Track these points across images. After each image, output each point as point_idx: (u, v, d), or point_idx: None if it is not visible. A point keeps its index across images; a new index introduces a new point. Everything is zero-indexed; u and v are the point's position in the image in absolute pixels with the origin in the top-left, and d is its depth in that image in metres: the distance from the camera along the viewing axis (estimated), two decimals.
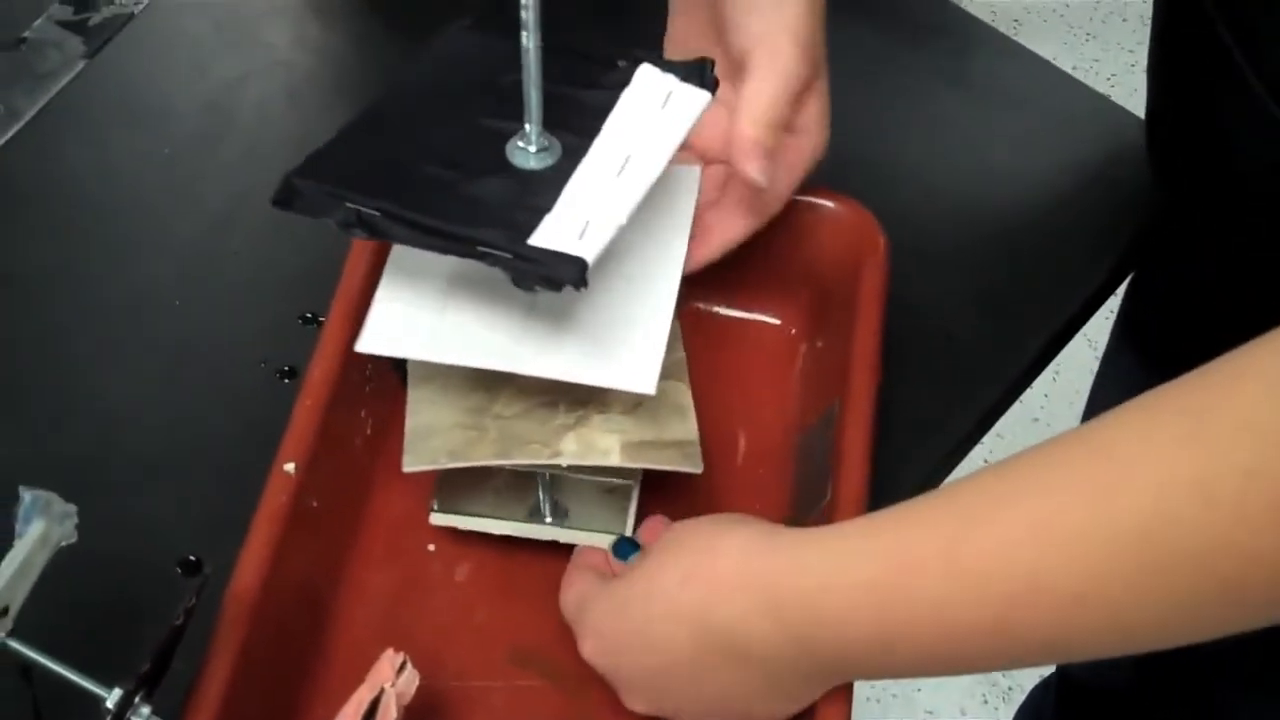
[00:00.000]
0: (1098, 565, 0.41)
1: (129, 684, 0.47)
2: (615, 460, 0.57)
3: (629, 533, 0.60)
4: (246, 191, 0.75)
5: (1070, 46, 2.11)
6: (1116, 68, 2.05)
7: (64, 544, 0.49)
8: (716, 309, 0.69)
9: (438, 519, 0.60)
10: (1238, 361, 0.41)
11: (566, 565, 0.59)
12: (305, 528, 0.57)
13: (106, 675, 0.48)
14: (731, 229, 0.62)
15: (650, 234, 0.58)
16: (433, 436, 0.57)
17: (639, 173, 0.52)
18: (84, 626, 0.56)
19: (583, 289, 0.49)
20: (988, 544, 0.43)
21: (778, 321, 0.69)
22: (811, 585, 0.47)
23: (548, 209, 0.50)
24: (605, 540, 0.60)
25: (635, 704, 0.54)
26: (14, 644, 0.48)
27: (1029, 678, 1.51)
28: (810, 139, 0.60)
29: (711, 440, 0.60)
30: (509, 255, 0.49)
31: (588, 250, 0.49)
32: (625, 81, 0.55)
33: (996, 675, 1.54)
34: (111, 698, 0.47)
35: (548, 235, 0.49)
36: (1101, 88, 0.81)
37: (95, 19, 0.82)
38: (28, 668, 0.48)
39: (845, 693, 0.51)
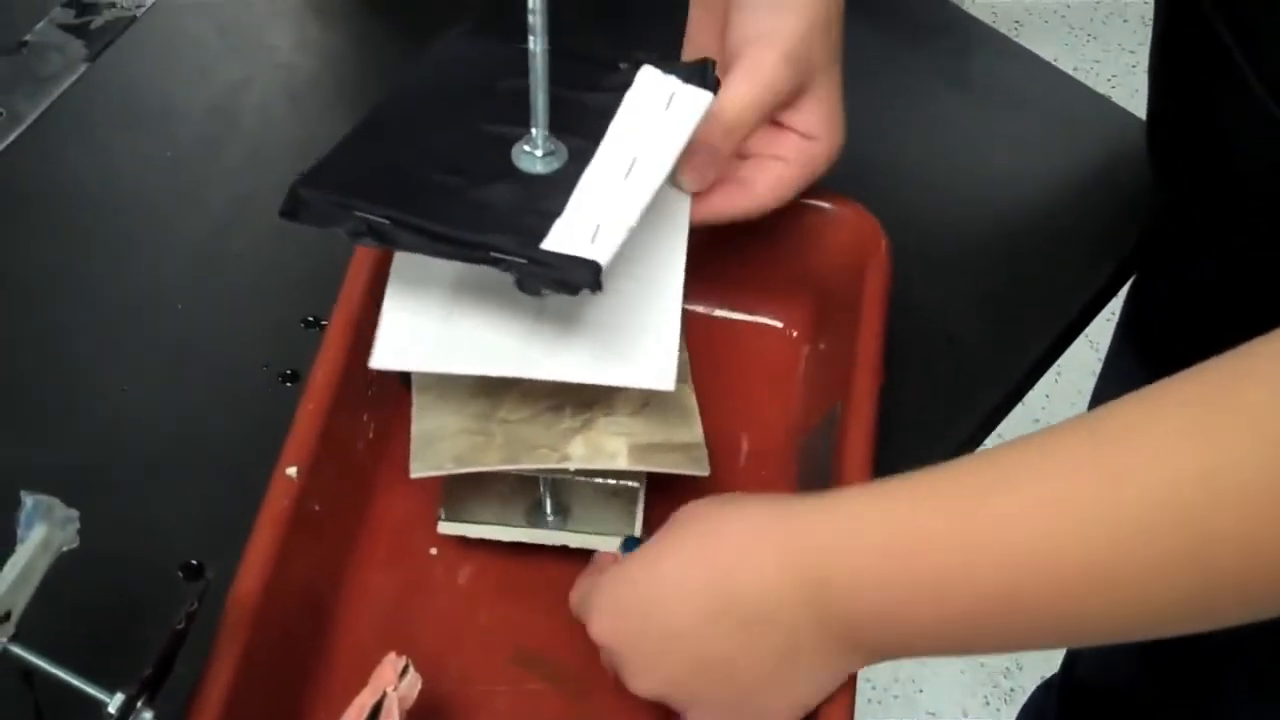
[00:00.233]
0: (1104, 548, 0.41)
1: (131, 688, 0.47)
2: (623, 463, 0.57)
3: (637, 535, 0.60)
4: (249, 194, 0.75)
5: (1071, 47, 2.11)
6: (1117, 69, 2.05)
7: (65, 549, 0.49)
8: (719, 312, 0.69)
9: (445, 528, 0.60)
10: (1241, 357, 0.41)
11: (570, 568, 0.59)
12: (307, 532, 0.57)
13: (108, 679, 0.48)
14: (718, 206, 0.62)
15: (651, 231, 0.58)
16: (439, 442, 0.57)
17: (646, 174, 0.52)
18: (85, 630, 0.56)
19: (597, 292, 0.49)
20: (1000, 516, 0.44)
21: (780, 324, 0.69)
22: (821, 545, 0.47)
23: (558, 213, 0.50)
24: (614, 543, 0.60)
25: (640, 685, 0.52)
26: (16, 649, 0.47)
27: (1031, 679, 1.51)
28: (819, 143, 0.60)
29: (714, 442, 0.60)
30: (523, 260, 0.49)
31: (601, 253, 0.49)
32: (627, 84, 0.55)
33: (998, 676, 1.54)
34: (114, 703, 0.47)
35: (560, 239, 0.49)
36: (1102, 89, 0.81)
37: (97, 22, 0.82)
38: (30, 672, 0.48)
39: (847, 692, 0.51)
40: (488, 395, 0.59)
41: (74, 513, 0.49)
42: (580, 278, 0.48)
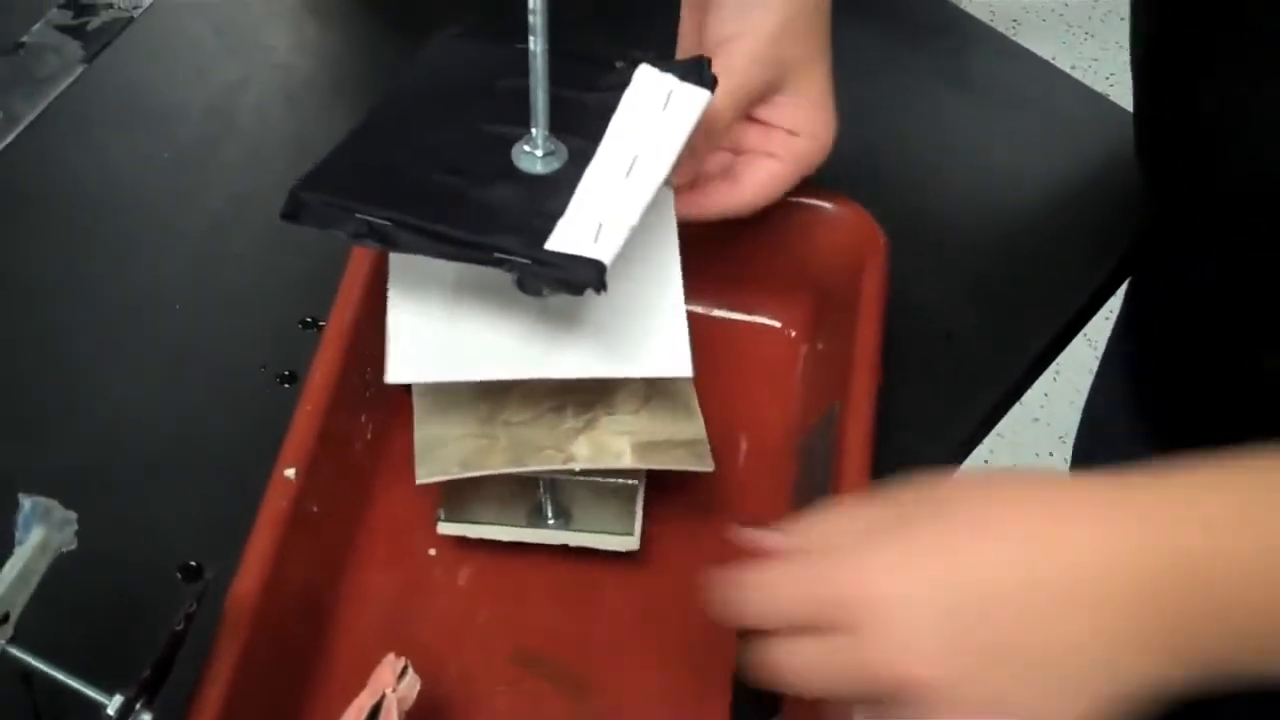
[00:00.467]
0: None
1: (130, 690, 0.47)
2: (628, 462, 0.57)
3: (636, 533, 0.60)
4: (247, 195, 0.75)
5: (1069, 45, 2.11)
6: (1115, 66, 2.05)
7: (64, 550, 0.49)
8: (717, 311, 0.69)
9: (445, 528, 0.60)
10: None
11: (569, 568, 0.59)
12: (306, 533, 0.57)
13: (107, 681, 0.48)
14: (707, 203, 0.62)
15: (642, 227, 0.58)
16: (443, 446, 0.57)
17: (646, 173, 0.52)
18: (84, 631, 0.56)
19: (602, 291, 0.49)
20: None
21: (778, 323, 0.69)
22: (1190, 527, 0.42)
23: (560, 213, 0.50)
24: (613, 542, 0.60)
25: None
26: (14, 651, 0.47)
27: None
28: (804, 140, 0.60)
29: (713, 442, 0.60)
30: (527, 261, 0.49)
31: (604, 252, 0.49)
32: (625, 83, 0.55)
33: None
34: (112, 704, 0.47)
35: (563, 239, 0.49)
36: (1100, 87, 0.81)
37: (94, 23, 0.82)
38: (28, 674, 0.48)
39: None
40: (490, 398, 0.59)
41: (72, 514, 0.49)
42: (585, 277, 0.49)
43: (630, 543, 0.60)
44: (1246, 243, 0.63)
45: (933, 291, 0.70)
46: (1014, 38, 0.83)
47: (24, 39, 0.81)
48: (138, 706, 0.47)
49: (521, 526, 0.60)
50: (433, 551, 0.62)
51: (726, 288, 0.68)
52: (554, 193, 0.51)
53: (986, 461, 1.70)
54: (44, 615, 0.48)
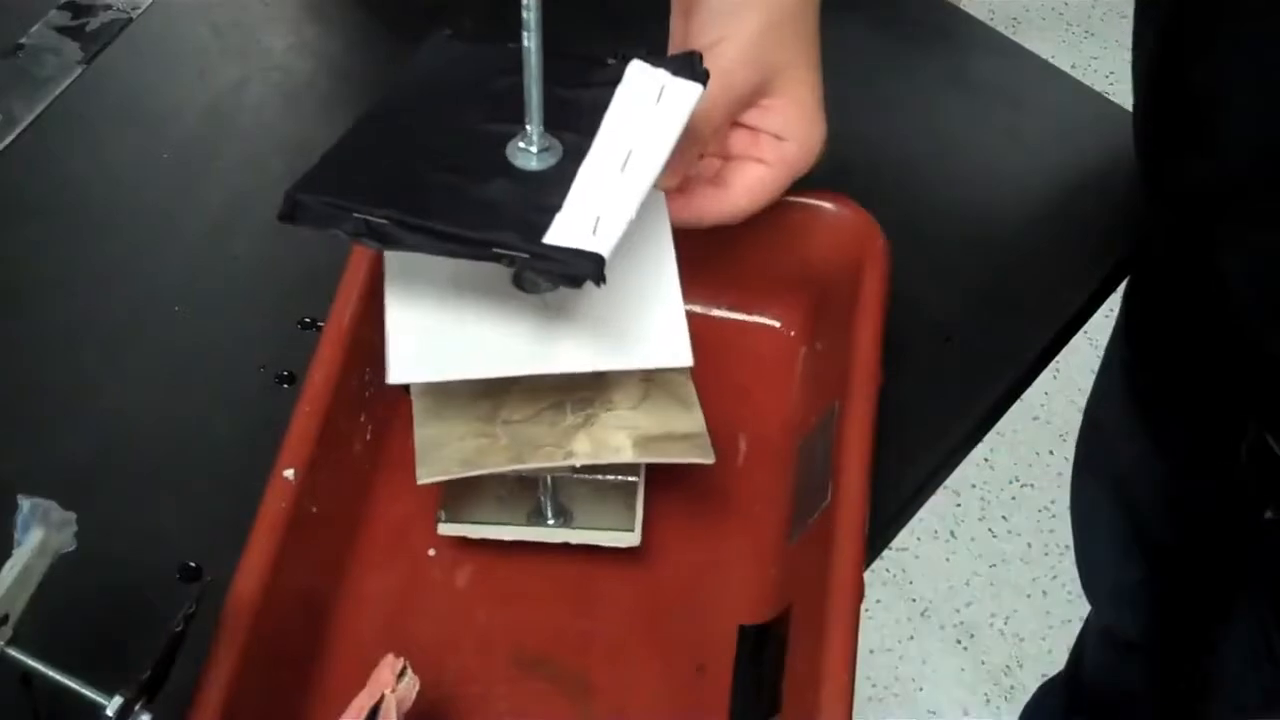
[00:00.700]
0: None
1: (129, 691, 0.47)
2: (629, 457, 0.57)
3: (637, 529, 0.60)
4: (246, 196, 0.75)
5: (1069, 44, 2.11)
6: (1115, 65, 2.05)
7: (63, 551, 0.49)
8: (716, 311, 0.69)
9: (445, 529, 0.60)
10: None
11: (570, 567, 0.59)
12: (305, 533, 0.57)
13: (106, 682, 0.48)
14: (697, 209, 0.62)
15: (637, 224, 0.58)
16: (444, 446, 0.57)
17: (642, 167, 0.53)
18: (83, 633, 0.56)
19: (601, 284, 0.49)
20: None
21: (778, 324, 0.69)
22: None
23: (558, 207, 0.51)
24: (614, 538, 0.60)
25: None
26: (13, 652, 0.47)
27: (1031, 676, 1.51)
28: (792, 143, 0.60)
29: (712, 441, 0.60)
30: (526, 255, 0.49)
31: (602, 245, 0.49)
32: (617, 79, 0.55)
33: (999, 674, 1.54)
34: (112, 705, 0.47)
35: (561, 233, 0.50)
36: (1100, 85, 0.81)
37: (93, 24, 0.82)
38: (27, 675, 0.48)
39: (846, 693, 0.51)
40: (489, 397, 0.59)
41: (71, 515, 0.49)
42: (583, 270, 0.49)
43: (631, 538, 0.60)
44: (1247, 228, 0.63)
45: (932, 290, 0.70)
46: (1013, 37, 0.83)
47: (23, 40, 0.81)
48: (137, 708, 0.47)
49: (522, 525, 0.60)
50: (432, 552, 0.62)
51: (726, 288, 0.68)
52: (550, 188, 0.51)
53: (986, 460, 1.70)
54: (43, 616, 0.48)
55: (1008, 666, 1.54)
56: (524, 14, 0.49)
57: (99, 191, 0.76)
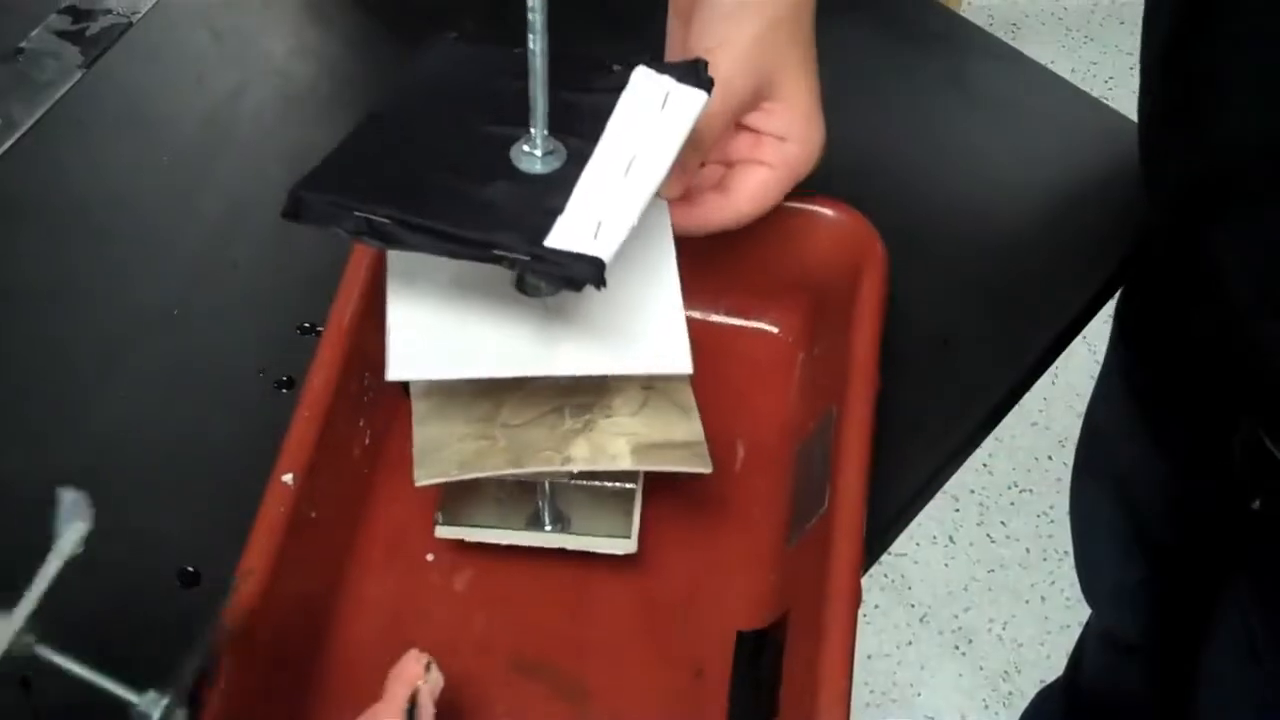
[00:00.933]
0: None
1: (171, 695, 0.46)
2: (626, 464, 0.57)
3: (634, 536, 0.60)
4: (245, 200, 0.75)
5: (1068, 50, 2.11)
6: (1115, 70, 2.05)
7: (73, 555, 0.49)
8: (714, 317, 0.69)
9: (443, 532, 0.60)
10: None
11: (567, 572, 0.59)
12: (304, 538, 0.57)
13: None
14: (702, 216, 0.62)
15: (638, 230, 0.58)
16: (442, 449, 0.57)
17: (645, 173, 0.53)
18: (82, 635, 0.55)
19: (601, 288, 0.49)
20: None
21: (776, 329, 0.69)
22: None
23: (560, 211, 0.51)
24: (611, 545, 0.60)
25: None
26: (43, 651, 0.47)
27: (1030, 682, 1.51)
28: (793, 145, 0.60)
29: (710, 447, 0.60)
30: (526, 258, 0.49)
31: (604, 249, 0.49)
32: (622, 84, 0.55)
33: (997, 679, 1.54)
34: (154, 704, 0.46)
35: (563, 236, 0.50)
36: (1099, 91, 0.81)
37: (93, 28, 0.82)
38: (27, 678, 0.48)
39: (844, 698, 0.51)
40: (488, 400, 0.59)
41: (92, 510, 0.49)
42: (584, 273, 0.49)
43: (628, 545, 0.60)
44: (1246, 224, 0.62)
45: (930, 296, 0.70)
46: (1013, 42, 0.83)
47: (23, 44, 0.81)
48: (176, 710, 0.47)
49: (520, 530, 0.60)
50: (431, 556, 0.62)
51: (724, 293, 0.68)
52: (553, 191, 0.52)
53: (985, 465, 1.70)
54: (42, 618, 0.48)
55: (1006, 672, 1.54)
56: (529, 16, 0.49)
57: (99, 195, 0.76)
